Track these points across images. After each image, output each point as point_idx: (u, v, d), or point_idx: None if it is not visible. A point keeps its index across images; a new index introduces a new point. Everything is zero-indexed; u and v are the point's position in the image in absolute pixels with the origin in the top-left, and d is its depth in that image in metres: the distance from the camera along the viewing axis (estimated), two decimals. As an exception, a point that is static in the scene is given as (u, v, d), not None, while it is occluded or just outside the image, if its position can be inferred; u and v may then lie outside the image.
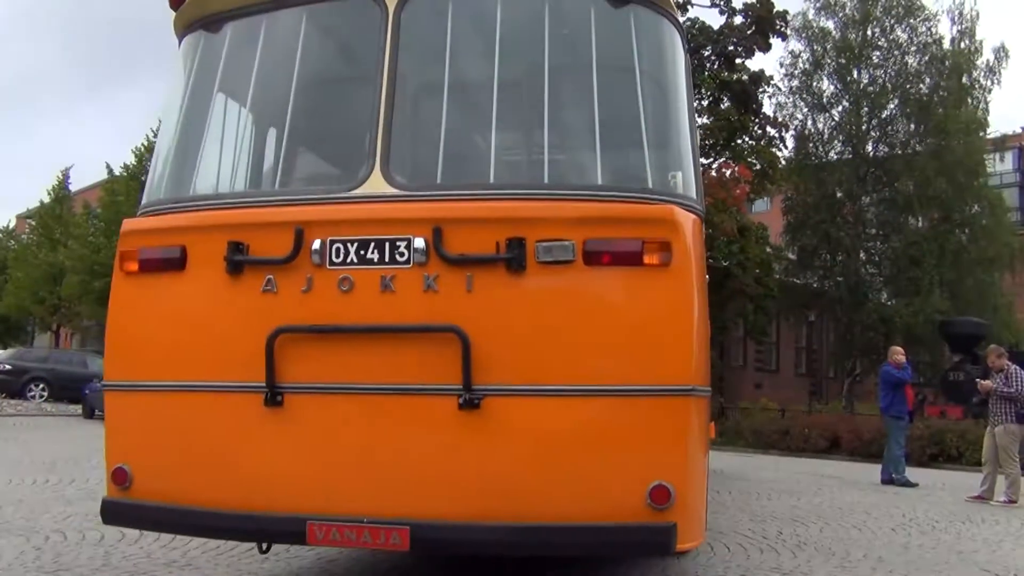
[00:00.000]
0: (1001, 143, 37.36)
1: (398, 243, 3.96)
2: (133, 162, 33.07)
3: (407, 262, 3.95)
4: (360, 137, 4.27)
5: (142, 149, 32.87)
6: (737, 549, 7.23)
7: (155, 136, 32.70)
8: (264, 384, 4.01)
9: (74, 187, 44.30)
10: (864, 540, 8.06)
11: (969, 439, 17.55)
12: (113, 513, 4.38)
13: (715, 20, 28.16)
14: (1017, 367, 11.98)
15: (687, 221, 4.07)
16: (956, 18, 31.05)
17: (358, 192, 4.11)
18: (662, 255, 3.90)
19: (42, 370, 27.48)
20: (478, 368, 3.85)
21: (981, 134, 31.38)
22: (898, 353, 14.46)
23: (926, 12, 30.81)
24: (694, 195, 4.41)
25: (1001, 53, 30.94)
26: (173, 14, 4.76)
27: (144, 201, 4.63)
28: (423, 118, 4.53)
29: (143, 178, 31.87)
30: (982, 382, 12.41)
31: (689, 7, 28.27)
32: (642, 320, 3.91)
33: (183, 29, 4.83)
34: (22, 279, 37.70)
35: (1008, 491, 11.50)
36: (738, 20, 27.72)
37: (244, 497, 4.08)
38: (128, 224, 4.50)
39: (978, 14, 31.02)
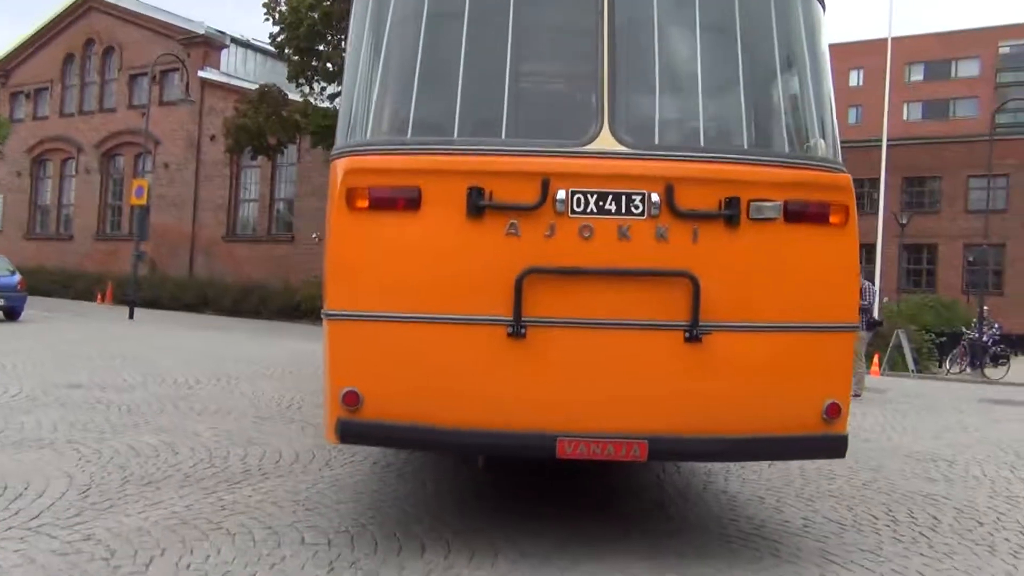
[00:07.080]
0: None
1: (634, 197, 4.45)
2: None
3: (642, 214, 4.45)
4: (585, 94, 4.67)
5: None
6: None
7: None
8: (510, 318, 4.40)
9: None
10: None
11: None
12: (352, 433, 4.53)
13: None
14: (868, 282, 13.90)
15: (853, 187, 4.86)
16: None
17: (591, 148, 4.50)
18: (842, 216, 4.67)
19: None
20: (703, 307, 4.50)
21: None
22: None
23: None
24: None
25: None
26: None
27: (366, 138, 4.69)
28: (639, 81, 4.88)
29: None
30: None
31: None
32: (825, 270, 4.68)
33: None
34: None
35: (855, 386, 13.48)
36: None
37: (485, 417, 4.47)
38: (354, 162, 4.54)
39: None
